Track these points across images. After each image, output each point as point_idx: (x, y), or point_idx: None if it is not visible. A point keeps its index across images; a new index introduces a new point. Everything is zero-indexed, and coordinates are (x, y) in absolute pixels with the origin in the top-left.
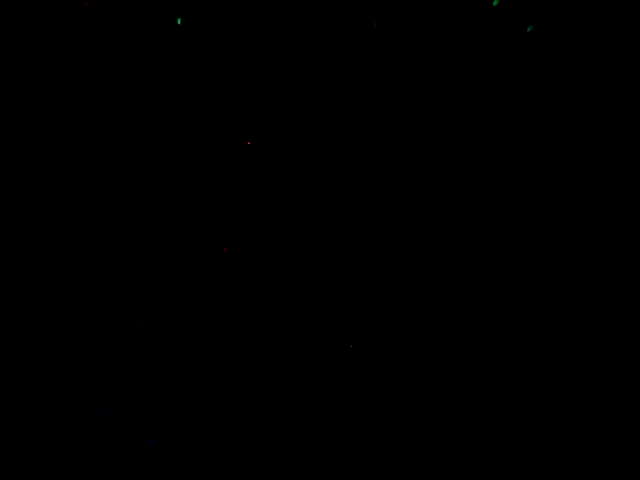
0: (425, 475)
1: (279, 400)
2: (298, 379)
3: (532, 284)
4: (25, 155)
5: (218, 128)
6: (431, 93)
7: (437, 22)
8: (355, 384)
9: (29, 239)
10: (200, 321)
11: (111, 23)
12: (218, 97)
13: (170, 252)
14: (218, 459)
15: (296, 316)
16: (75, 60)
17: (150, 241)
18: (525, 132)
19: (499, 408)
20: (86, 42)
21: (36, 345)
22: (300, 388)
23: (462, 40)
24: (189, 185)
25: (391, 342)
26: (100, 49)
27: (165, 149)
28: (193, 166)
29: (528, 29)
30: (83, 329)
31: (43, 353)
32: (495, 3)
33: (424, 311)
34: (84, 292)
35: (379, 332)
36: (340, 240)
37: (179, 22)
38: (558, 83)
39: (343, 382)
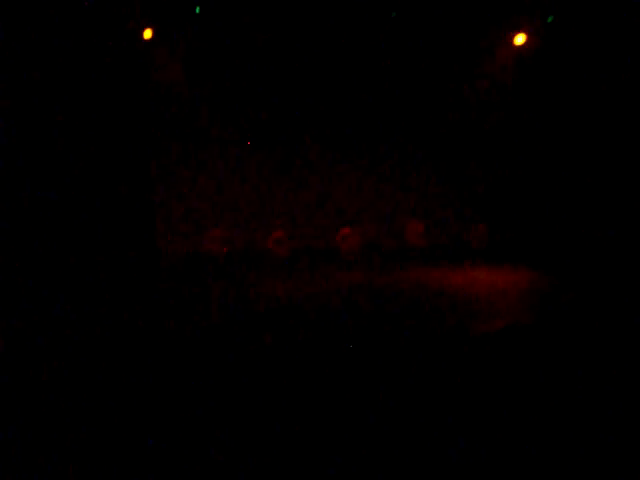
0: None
1: (277, 400)
2: (297, 379)
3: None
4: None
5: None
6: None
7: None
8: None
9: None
10: (199, 321)
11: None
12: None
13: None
14: (218, 458)
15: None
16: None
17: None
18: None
19: (497, 408)
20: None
21: (36, 345)
22: (299, 389)
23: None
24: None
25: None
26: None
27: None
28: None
29: (548, 20)
30: (84, 330)
31: (43, 353)
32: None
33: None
34: (86, 294)
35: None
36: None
37: (197, 11)
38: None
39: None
